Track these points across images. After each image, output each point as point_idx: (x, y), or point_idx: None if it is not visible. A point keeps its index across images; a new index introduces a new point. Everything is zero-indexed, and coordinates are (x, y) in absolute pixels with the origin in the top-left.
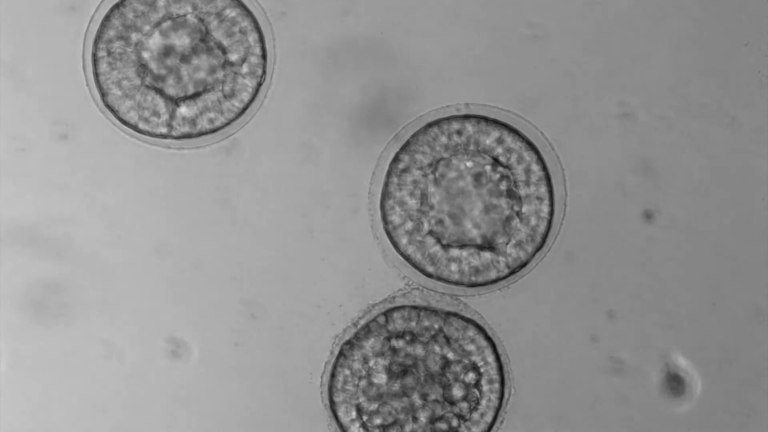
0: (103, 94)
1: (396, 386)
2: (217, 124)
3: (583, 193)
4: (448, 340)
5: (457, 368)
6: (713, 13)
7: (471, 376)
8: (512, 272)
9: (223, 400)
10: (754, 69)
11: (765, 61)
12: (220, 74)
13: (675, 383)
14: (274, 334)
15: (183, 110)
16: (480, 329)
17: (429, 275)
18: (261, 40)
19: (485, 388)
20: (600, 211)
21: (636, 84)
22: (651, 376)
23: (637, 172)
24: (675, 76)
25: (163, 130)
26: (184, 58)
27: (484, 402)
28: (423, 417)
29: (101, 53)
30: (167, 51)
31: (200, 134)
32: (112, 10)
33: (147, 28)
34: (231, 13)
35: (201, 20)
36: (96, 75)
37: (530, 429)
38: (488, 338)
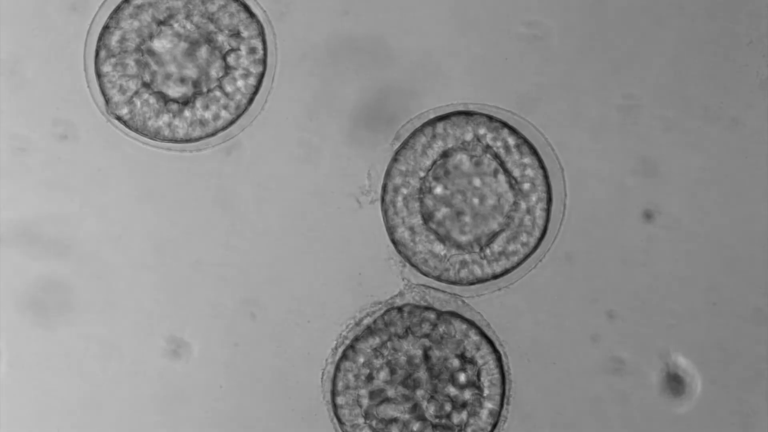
0: (107, 100)
1: (398, 387)
2: (218, 125)
3: (583, 193)
4: (447, 339)
5: (458, 368)
6: (713, 13)
7: (470, 374)
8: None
9: (223, 400)
10: (754, 69)
11: (764, 61)
12: (219, 67)
13: (675, 383)
14: (274, 334)
15: (187, 113)
16: (479, 329)
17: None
18: (262, 35)
19: (486, 389)
20: (600, 211)
21: (636, 84)
22: (651, 376)
23: (637, 172)
24: (675, 76)
25: (165, 132)
26: (187, 60)
27: (485, 401)
28: (427, 414)
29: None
30: (168, 54)
31: (200, 138)
32: (115, 10)
33: (150, 32)
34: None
35: (208, 33)
36: (98, 76)
37: (530, 429)
38: (487, 338)
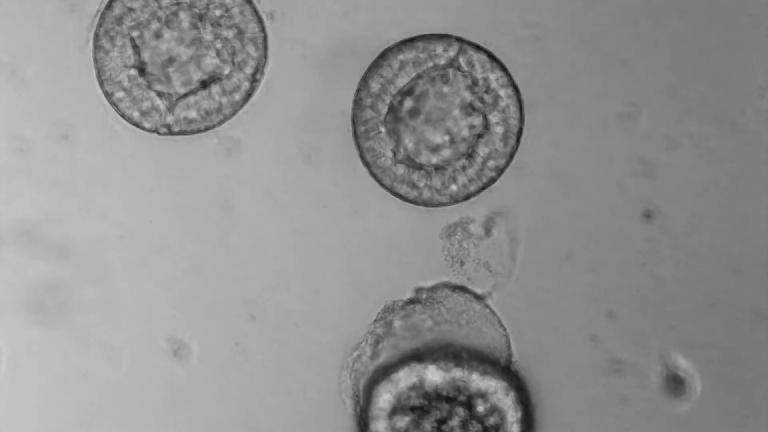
0: (110, 99)
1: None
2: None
3: (583, 193)
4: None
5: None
6: (714, 14)
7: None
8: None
9: (223, 400)
10: (754, 70)
11: (764, 61)
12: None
13: (675, 383)
14: (274, 334)
15: (185, 113)
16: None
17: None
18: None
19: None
20: (600, 211)
21: (636, 85)
22: (651, 376)
23: (637, 172)
24: (675, 77)
25: (163, 125)
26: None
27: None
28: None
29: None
30: (172, 53)
31: (196, 130)
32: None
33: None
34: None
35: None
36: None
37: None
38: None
